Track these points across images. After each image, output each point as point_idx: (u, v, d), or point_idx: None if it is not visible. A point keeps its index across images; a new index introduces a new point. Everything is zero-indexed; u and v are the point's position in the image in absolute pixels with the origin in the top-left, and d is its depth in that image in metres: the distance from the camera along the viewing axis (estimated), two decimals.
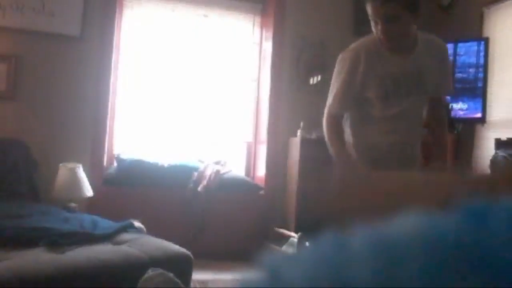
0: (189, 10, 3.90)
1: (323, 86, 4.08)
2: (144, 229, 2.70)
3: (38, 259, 2.10)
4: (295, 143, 3.84)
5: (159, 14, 3.85)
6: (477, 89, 3.55)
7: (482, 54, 3.54)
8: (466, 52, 3.62)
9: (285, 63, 4.00)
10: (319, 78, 4.04)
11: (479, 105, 3.53)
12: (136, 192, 3.48)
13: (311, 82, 4.05)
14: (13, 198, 2.89)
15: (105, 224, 2.61)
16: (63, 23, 3.48)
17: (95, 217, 2.71)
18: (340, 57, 2.24)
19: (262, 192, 3.89)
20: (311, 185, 3.74)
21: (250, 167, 4.14)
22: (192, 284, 2.42)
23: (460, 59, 3.61)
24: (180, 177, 3.60)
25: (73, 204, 3.11)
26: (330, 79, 4.23)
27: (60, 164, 3.23)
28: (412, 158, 2.23)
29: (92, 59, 3.56)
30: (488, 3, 3.65)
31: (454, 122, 3.62)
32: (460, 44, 3.64)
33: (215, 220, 3.63)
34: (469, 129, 3.69)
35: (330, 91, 2.25)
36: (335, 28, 4.09)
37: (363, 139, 2.21)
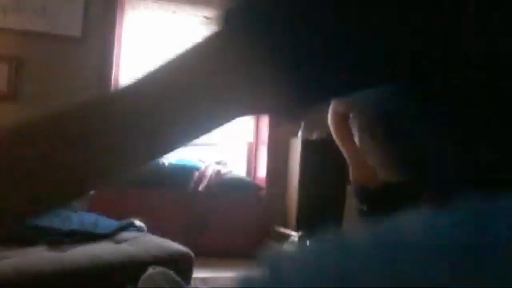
0: (190, 11, 3.90)
1: None
2: (145, 228, 2.70)
3: (39, 257, 2.10)
4: (296, 143, 3.84)
5: (160, 15, 3.85)
6: None
7: None
8: None
9: None
10: None
11: None
12: (137, 191, 3.48)
13: None
14: None
15: (106, 223, 2.61)
16: (64, 24, 3.48)
17: (96, 216, 2.71)
18: None
19: (262, 192, 3.89)
20: (312, 185, 3.74)
21: (251, 167, 4.14)
22: (193, 282, 2.43)
23: None
24: (181, 177, 3.61)
25: (74, 203, 3.11)
26: None
27: None
28: None
29: (93, 60, 3.57)
30: None
31: None
32: None
33: (216, 220, 3.63)
34: None
35: None
36: None
37: (367, 138, 2.05)
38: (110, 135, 0.44)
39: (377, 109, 0.54)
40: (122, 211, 2.98)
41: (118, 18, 3.66)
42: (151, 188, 3.52)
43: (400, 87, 0.47)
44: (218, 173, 3.67)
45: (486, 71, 0.43)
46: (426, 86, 0.46)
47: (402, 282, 0.25)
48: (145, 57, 3.83)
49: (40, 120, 0.44)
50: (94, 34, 3.55)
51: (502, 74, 0.43)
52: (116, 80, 3.72)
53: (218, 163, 3.83)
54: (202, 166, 3.74)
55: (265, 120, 4.03)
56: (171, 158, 3.72)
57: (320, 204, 3.70)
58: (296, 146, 3.84)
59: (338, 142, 2.23)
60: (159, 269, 1.81)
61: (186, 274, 2.21)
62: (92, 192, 3.24)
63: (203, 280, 2.99)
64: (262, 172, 4.03)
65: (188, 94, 0.45)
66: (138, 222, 2.71)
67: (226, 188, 3.66)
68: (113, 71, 3.65)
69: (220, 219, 3.64)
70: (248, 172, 4.13)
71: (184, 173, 3.64)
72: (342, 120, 2.22)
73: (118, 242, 2.40)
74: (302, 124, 3.82)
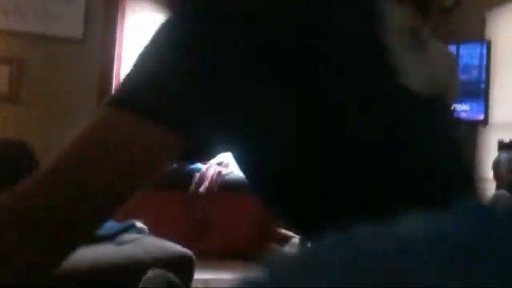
0: None
1: None
2: (146, 230, 2.71)
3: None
4: None
5: (161, 17, 3.85)
6: (479, 91, 3.55)
7: (484, 56, 3.54)
8: (469, 54, 3.62)
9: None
10: None
11: (481, 107, 3.53)
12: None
13: None
14: None
15: (107, 225, 2.61)
16: (66, 26, 3.49)
17: None
18: None
19: None
20: None
21: None
22: (194, 284, 2.43)
23: (463, 61, 3.61)
24: (182, 178, 3.61)
25: None
26: None
27: None
28: None
29: (94, 62, 3.57)
30: (490, 5, 3.65)
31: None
32: (462, 46, 3.64)
33: (217, 221, 3.63)
34: (471, 131, 3.69)
35: None
36: None
37: None
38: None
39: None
40: (124, 212, 2.98)
41: (119, 20, 3.67)
42: (152, 190, 3.51)
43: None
44: (219, 174, 3.68)
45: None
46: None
47: (403, 282, 0.25)
48: None
49: None
50: (95, 36, 3.56)
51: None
52: (117, 82, 3.73)
53: (219, 164, 3.83)
54: (203, 167, 3.75)
55: None
56: None
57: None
58: None
59: None
60: (159, 271, 1.81)
61: (187, 276, 2.21)
62: None
63: (205, 281, 2.99)
64: None
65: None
66: (139, 224, 2.71)
67: (227, 189, 3.66)
68: (114, 73, 3.66)
69: (221, 220, 3.64)
70: None
71: (185, 174, 3.64)
72: None
73: (119, 243, 2.40)
74: None
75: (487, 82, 3.53)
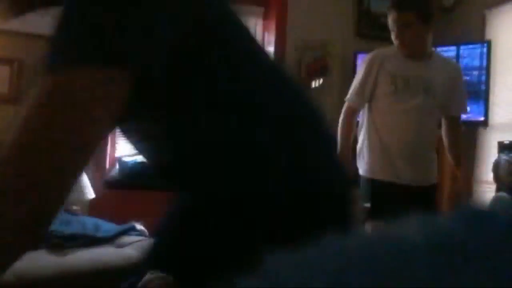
0: None
1: (325, 88, 4.07)
2: (146, 232, 2.70)
3: (39, 261, 2.10)
4: None
5: None
6: (480, 92, 3.55)
7: (485, 57, 3.54)
8: (469, 54, 3.61)
9: (287, 66, 4.00)
10: (321, 81, 4.04)
11: (481, 108, 3.52)
12: (138, 194, 3.48)
13: (313, 85, 4.05)
14: None
15: (107, 227, 2.61)
16: None
17: (97, 220, 2.71)
18: (364, 59, 2.55)
19: None
20: None
21: None
22: None
23: (463, 62, 3.61)
24: None
25: (74, 207, 3.11)
26: (332, 82, 4.33)
27: None
28: (424, 159, 2.38)
29: None
30: (490, 5, 3.65)
31: None
32: (462, 47, 3.64)
33: None
34: (471, 132, 3.68)
35: (350, 88, 2.53)
36: (337, 32, 4.09)
37: (374, 137, 2.40)
38: None
39: None
40: (123, 215, 2.98)
41: None
42: (152, 192, 3.51)
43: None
44: None
45: None
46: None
47: (402, 284, 0.25)
48: None
49: None
50: None
51: None
52: None
53: None
54: None
55: None
56: None
57: None
58: None
59: (338, 131, 2.46)
60: (158, 274, 1.80)
61: None
62: (92, 197, 3.24)
63: None
64: None
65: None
66: (139, 226, 2.71)
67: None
68: None
69: None
70: None
71: None
72: (351, 113, 2.47)
73: (120, 246, 2.40)
74: None
75: (487, 83, 3.52)
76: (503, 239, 0.26)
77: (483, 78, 3.54)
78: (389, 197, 2.36)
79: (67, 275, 2.03)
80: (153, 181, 3.76)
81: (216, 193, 0.72)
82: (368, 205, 2.41)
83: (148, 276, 1.82)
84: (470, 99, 3.57)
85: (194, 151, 0.71)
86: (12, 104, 3.42)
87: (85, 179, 3.23)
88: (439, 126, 2.54)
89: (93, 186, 3.26)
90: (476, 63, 3.58)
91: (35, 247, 0.55)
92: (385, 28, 2.52)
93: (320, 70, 4.04)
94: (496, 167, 2.86)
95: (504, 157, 2.86)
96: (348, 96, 2.51)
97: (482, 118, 3.52)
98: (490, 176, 2.98)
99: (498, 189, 2.85)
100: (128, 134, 0.77)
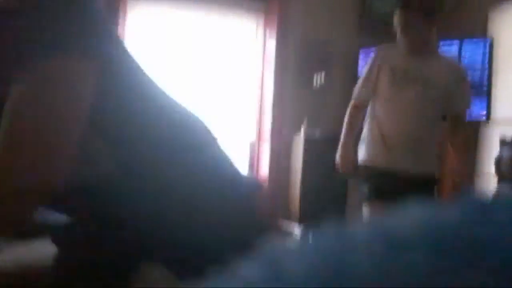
0: (191, 9, 3.90)
1: (327, 85, 4.07)
2: None
3: (42, 251, 2.11)
4: (298, 142, 3.84)
5: (162, 14, 3.85)
6: (482, 88, 3.55)
7: (487, 53, 3.54)
8: (472, 51, 3.61)
9: (288, 62, 4.00)
10: (323, 77, 4.04)
11: (484, 104, 3.53)
12: None
13: (314, 81, 4.05)
14: None
15: None
16: None
17: None
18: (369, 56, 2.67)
19: (265, 190, 3.89)
20: (314, 183, 3.75)
21: (253, 166, 4.14)
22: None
23: (466, 59, 3.61)
24: None
25: None
26: (333, 78, 4.30)
27: None
28: (422, 150, 2.43)
29: None
30: (493, 3, 3.64)
31: None
32: (465, 44, 3.64)
33: None
34: (473, 128, 3.68)
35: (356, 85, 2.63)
36: (340, 27, 4.09)
37: (373, 126, 2.49)
38: None
39: None
40: None
41: (120, 20, 3.67)
42: None
43: None
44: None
45: None
46: None
47: (404, 275, 0.25)
48: (147, 59, 3.83)
49: None
50: None
51: None
52: None
53: None
54: None
55: (267, 118, 4.03)
56: None
57: (322, 203, 3.70)
58: (298, 144, 3.84)
59: (343, 125, 2.57)
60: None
61: None
62: None
63: None
64: (264, 170, 4.03)
65: None
66: None
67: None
68: None
69: None
70: (250, 170, 4.13)
71: None
72: (355, 110, 2.56)
73: None
74: (305, 123, 3.82)
75: (490, 79, 3.52)
76: (506, 233, 0.26)
77: (486, 74, 3.54)
78: (385, 183, 2.44)
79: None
80: None
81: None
82: (365, 190, 2.49)
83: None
84: (472, 95, 3.57)
85: None
86: None
87: None
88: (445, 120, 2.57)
89: None
90: (479, 59, 3.58)
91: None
92: (387, 25, 2.53)
93: (322, 66, 4.04)
94: (498, 161, 2.86)
95: (506, 152, 2.86)
96: (353, 92, 2.61)
97: (484, 114, 3.52)
98: (492, 170, 2.98)
99: (500, 183, 2.85)
100: None
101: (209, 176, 0.81)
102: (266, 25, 4.09)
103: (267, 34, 4.08)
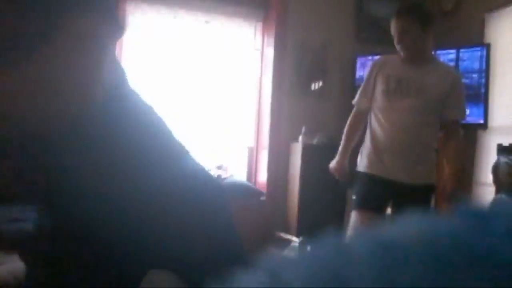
0: (190, 16, 3.91)
1: (325, 92, 4.08)
2: None
3: None
4: (297, 148, 3.84)
5: (161, 20, 3.86)
6: (480, 94, 3.55)
7: (484, 60, 3.55)
8: (469, 57, 3.62)
9: (286, 68, 4.01)
10: (321, 83, 4.05)
11: (481, 110, 3.53)
12: None
13: (312, 87, 4.06)
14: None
15: None
16: None
17: None
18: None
19: (263, 197, 3.89)
20: (313, 190, 3.74)
21: (251, 172, 4.14)
22: None
23: (463, 65, 3.62)
24: None
25: None
26: (331, 84, 4.32)
27: None
28: (416, 159, 2.44)
29: None
30: (490, 9, 3.66)
31: None
32: (462, 50, 3.65)
33: None
34: (471, 134, 3.69)
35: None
36: (337, 34, 4.10)
37: (370, 134, 2.54)
38: None
39: None
40: None
41: None
42: None
43: None
44: (218, 177, 3.67)
45: None
46: None
47: (403, 285, 0.25)
48: (146, 62, 3.84)
49: None
50: None
51: None
52: None
53: (218, 168, 3.83)
54: None
55: (266, 125, 4.04)
56: None
57: (321, 209, 3.69)
58: (297, 151, 3.84)
59: (345, 129, 2.65)
60: (160, 271, 1.80)
61: None
62: None
63: None
64: (262, 177, 4.03)
65: None
66: None
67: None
68: None
69: None
70: (249, 177, 4.13)
71: None
72: (356, 116, 2.62)
73: None
74: (303, 129, 3.82)
75: (487, 86, 3.53)
76: (504, 241, 0.26)
77: (483, 81, 3.55)
78: (377, 191, 2.46)
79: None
80: None
81: None
82: (354, 197, 2.51)
83: (150, 275, 1.81)
84: (469, 102, 3.58)
85: None
86: None
87: None
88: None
89: None
90: (476, 66, 3.58)
91: None
92: (385, 31, 2.55)
93: (320, 72, 4.05)
94: (496, 169, 2.86)
95: (503, 159, 2.86)
96: (354, 101, 2.67)
97: (481, 121, 3.53)
98: (489, 178, 2.98)
99: (497, 191, 2.85)
100: None
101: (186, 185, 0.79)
102: (264, 32, 4.10)
103: (265, 42, 4.09)
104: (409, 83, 2.41)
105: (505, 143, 3.03)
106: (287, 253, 3.45)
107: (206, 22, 3.97)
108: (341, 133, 2.70)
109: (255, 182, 4.08)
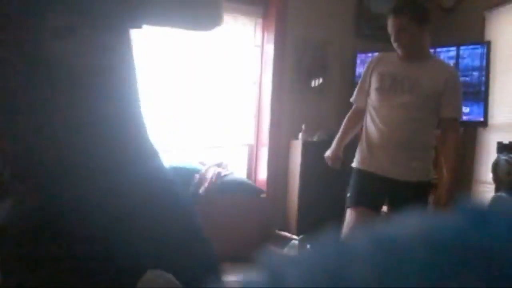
0: None
1: (325, 88, 4.08)
2: None
3: None
4: (297, 145, 3.84)
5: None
6: (480, 92, 3.55)
7: (484, 57, 3.54)
8: (469, 55, 3.62)
9: (286, 65, 4.00)
10: (321, 80, 4.05)
11: (481, 108, 3.52)
12: None
13: (312, 84, 4.05)
14: None
15: None
16: None
17: None
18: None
19: (263, 194, 3.89)
20: (313, 187, 3.75)
21: (251, 170, 4.14)
22: None
23: (463, 63, 3.61)
24: (182, 180, 3.60)
25: None
26: (331, 81, 4.32)
27: None
28: (410, 156, 2.44)
29: None
30: (490, 6, 3.65)
31: None
32: (462, 48, 3.64)
33: (216, 223, 3.63)
34: (471, 132, 3.69)
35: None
36: (337, 31, 4.10)
37: (365, 131, 2.55)
38: None
39: None
40: None
41: None
42: None
43: None
44: (218, 175, 3.67)
45: None
46: None
47: (403, 284, 0.25)
48: (146, 65, 3.83)
49: None
50: None
51: None
52: None
53: (218, 165, 3.83)
54: (202, 168, 3.74)
55: (265, 122, 4.04)
56: (171, 161, 3.72)
57: (321, 207, 3.70)
58: (296, 148, 3.84)
59: (343, 122, 2.67)
60: (157, 272, 1.80)
61: None
62: None
63: None
64: (262, 174, 4.03)
65: None
66: None
67: (226, 190, 3.65)
68: None
69: (220, 222, 3.63)
70: (249, 175, 4.13)
71: (185, 175, 3.64)
72: (353, 111, 2.65)
73: None
74: (303, 126, 3.82)
75: (486, 83, 3.52)
76: (504, 239, 0.26)
77: (483, 78, 3.54)
78: (371, 188, 2.46)
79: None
80: None
81: None
82: (350, 194, 2.51)
83: (147, 275, 1.82)
84: (469, 99, 3.57)
85: None
86: None
87: None
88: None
89: None
90: (476, 63, 3.58)
91: None
92: (384, 28, 2.54)
93: (320, 69, 4.04)
94: (495, 167, 2.86)
95: (503, 157, 2.86)
96: (352, 97, 2.70)
97: (481, 119, 3.52)
98: (489, 176, 2.98)
99: (497, 189, 2.85)
100: None
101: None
102: (264, 29, 4.10)
103: (265, 38, 4.09)
104: (404, 80, 2.41)
105: (505, 141, 3.03)
106: (287, 251, 3.46)
107: None
108: None
109: (255, 180, 4.08)
